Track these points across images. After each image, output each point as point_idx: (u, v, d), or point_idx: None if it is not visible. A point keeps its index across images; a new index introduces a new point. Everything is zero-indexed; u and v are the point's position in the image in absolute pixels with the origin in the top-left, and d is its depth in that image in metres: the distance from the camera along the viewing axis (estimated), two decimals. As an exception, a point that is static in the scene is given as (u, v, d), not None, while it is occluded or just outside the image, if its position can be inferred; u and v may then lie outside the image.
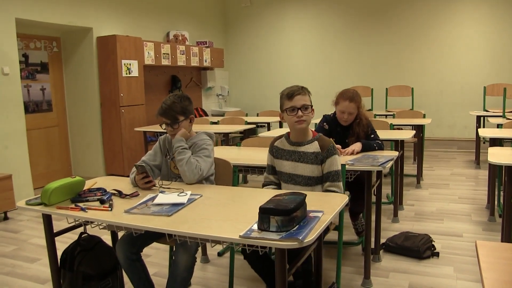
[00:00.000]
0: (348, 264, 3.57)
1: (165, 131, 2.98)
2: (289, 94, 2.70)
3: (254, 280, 2.72)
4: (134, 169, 2.78)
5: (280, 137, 2.90)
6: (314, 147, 2.74)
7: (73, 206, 2.35)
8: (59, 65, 7.00)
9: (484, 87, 7.53)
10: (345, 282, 3.26)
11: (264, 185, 2.95)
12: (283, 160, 2.83)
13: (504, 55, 8.22)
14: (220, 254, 3.85)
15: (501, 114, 6.36)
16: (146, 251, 2.74)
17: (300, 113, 2.68)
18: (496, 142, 4.47)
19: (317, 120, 4.05)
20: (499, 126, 5.41)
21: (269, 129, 6.74)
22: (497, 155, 3.31)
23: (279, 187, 2.89)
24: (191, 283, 3.28)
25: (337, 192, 2.65)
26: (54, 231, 2.57)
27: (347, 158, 3.35)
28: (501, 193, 4.31)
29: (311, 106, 2.72)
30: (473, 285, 3.14)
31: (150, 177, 2.73)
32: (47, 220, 2.52)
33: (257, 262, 2.65)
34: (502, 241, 3.41)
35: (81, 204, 2.36)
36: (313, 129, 3.97)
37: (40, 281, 3.50)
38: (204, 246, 3.69)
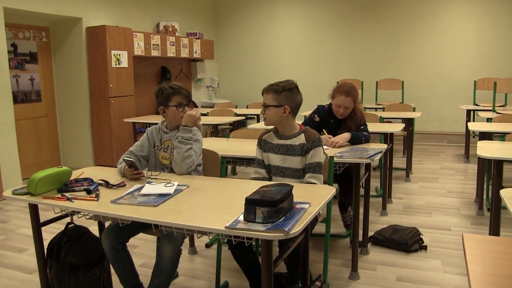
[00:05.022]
0: (336, 256, 3.57)
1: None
2: (262, 91, 2.75)
3: (241, 272, 2.72)
4: (122, 159, 2.77)
5: (268, 131, 2.90)
6: (300, 139, 2.74)
7: (59, 196, 2.32)
8: (48, 55, 6.93)
9: (475, 81, 7.55)
10: (333, 275, 3.26)
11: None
12: (271, 154, 2.82)
13: (495, 49, 8.23)
14: (207, 245, 3.84)
15: (491, 108, 6.38)
16: (134, 242, 2.73)
17: (263, 110, 2.74)
18: (486, 136, 4.49)
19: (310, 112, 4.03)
20: (489, 120, 5.43)
21: (258, 121, 6.73)
22: (486, 149, 3.32)
23: (268, 181, 2.88)
24: (179, 274, 3.28)
25: (316, 184, 2.63)
26: (41, 221, 2.55)
27: (335, 150, 3.34)
28: (490, 187, 4.33)
29: (276, 106, 2.68)
30: (460, 278, 3.16)
31: (139, 170, 2.72)
32: (34, 210, 2.50)
33: (240, 254, 2.65)
34: (490, 234, 3.43)
35: (67, 194, 2.33)
36: (303, 120, 3.98)
37: (28, 271, 3.48)
38: (192, 237, 3.69)
